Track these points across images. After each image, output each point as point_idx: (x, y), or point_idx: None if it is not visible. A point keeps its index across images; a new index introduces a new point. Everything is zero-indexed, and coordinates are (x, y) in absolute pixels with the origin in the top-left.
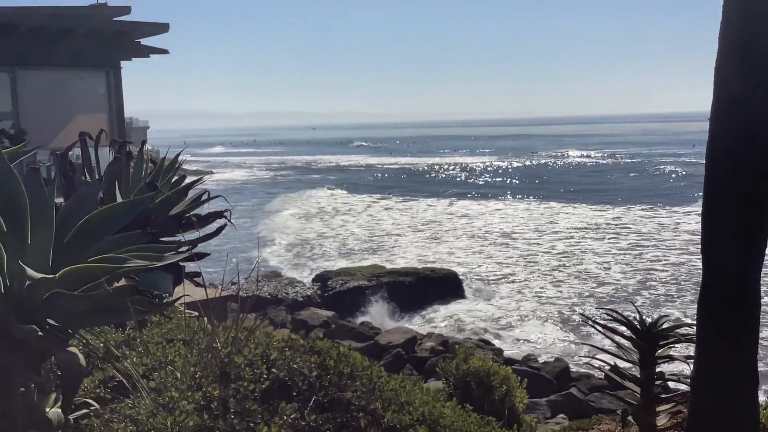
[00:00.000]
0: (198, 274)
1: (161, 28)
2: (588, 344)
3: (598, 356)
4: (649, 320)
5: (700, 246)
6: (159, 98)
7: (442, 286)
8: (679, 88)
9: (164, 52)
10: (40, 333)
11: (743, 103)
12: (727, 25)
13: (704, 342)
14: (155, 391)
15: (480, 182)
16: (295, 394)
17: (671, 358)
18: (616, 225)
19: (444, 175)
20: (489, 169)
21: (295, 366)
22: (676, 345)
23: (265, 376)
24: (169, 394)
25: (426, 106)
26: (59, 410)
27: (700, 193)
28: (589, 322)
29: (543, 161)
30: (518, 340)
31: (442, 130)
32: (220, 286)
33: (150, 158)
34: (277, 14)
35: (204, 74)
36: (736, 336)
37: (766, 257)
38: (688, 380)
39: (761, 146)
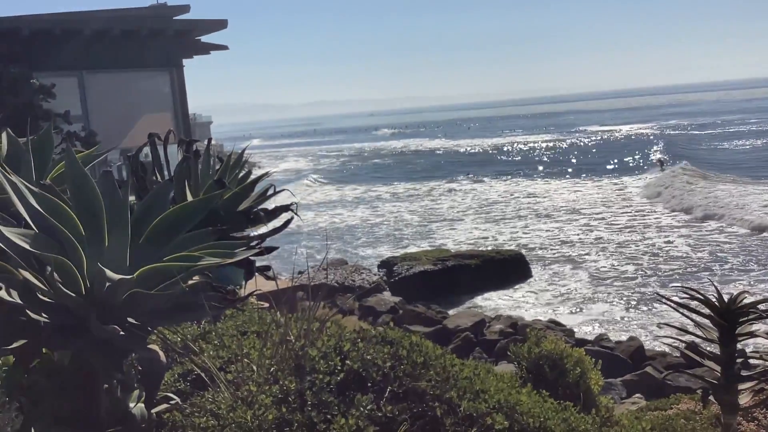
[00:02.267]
0: (268, 267)
1: (220, 24)
2: (663, 323)
3: (673, 335)
4: (727, 297)
5: None
6: (221, 93)
7: (508, 267)
8: (716, 57)
9: (224, 48)
10: (121, 332)
11: None
12: None
13: None
14: (233, 384)
15: (545, 160)
16: (369, 385)
17: (752, 335)
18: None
19: (505, 157)
20: (546, 147)
21: (368, 357)
22: (757, 322)
23: (339, 368)
24: (248, 388)
25: (481, 87)
26: (142, 405)
27: None
28: (665, 301)
29: (591, 137)
30: (590, 319)
31: (505, 110)
32: (291, 277)
33: (217, 155)
34: (329, 4)
35: (262, 68)
36: None
37: None
38: None
39: None
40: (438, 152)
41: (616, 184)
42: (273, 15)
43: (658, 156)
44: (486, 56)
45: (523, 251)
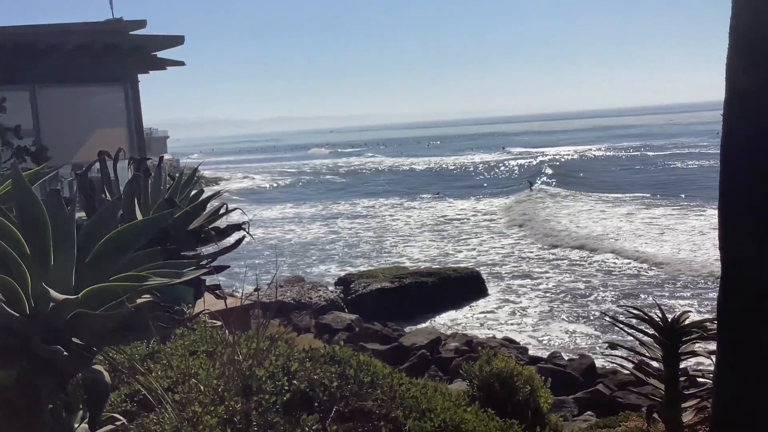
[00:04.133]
0: (218, 286)
1: (176, 40)
2: (613, 341)
3: (622, 353)
4: (671, 316)
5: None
6: (179, 108)
7: (465, 285)
8: (677, 80)
9: (180, 64)
10: (65, 353)
11: (755, 100)
12: (737, 21)
13: (726, 337)
14: (179, 404)
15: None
16: (316, 405)
17: (695, 354)
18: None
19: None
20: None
21: (315, 377)
22: (700, 341)
23: (286, 387)
24: (193, 408)
25: (440, 105)
26: (86, 426)
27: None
28: (611, 320)
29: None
30: (543, 337)
31: (455, 129)
32: (242, 296)
33: (169, 173)
34: (291, 20)
35: (222, 83)
36: (757, 330)
37: None
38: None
39: None
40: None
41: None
42: (233, 31)
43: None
44: (440, 75)
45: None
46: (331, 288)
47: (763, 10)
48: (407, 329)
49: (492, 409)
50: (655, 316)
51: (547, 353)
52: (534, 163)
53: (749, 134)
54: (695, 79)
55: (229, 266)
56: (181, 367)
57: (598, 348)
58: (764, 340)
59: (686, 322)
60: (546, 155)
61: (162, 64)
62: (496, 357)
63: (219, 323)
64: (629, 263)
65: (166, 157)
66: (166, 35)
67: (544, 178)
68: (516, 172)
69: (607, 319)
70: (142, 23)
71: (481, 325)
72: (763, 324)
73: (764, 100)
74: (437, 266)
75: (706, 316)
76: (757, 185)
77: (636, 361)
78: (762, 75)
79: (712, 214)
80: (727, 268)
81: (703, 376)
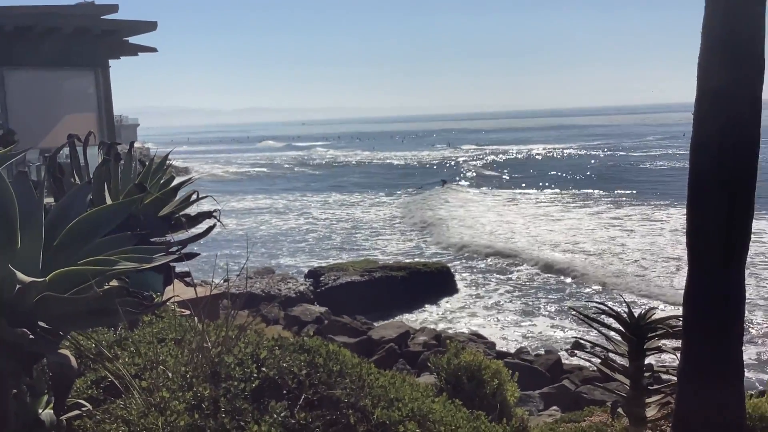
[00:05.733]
0: (188, 274)
1: (149, 26)
2: (579, 337)
3: (589, 349)
4: (637, 312)
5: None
6: (150, 95)
7: (434, 279)
8: (650, 81)
9: (152, 50)
10: (31, 336)
11: (725, 98)
12: (709, 22)
13: (691, 334)
14: (147, 391)
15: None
16: (285, 392)
17: (660, 350)
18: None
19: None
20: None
21: (284, 365)
22: (665, 337)
23: (255, 375)
24: (161, 395)
25: (415, 99)
26: (51, 411)
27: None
28: (579, 316)
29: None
30: (512, 332)
31: (429, 125)
32: (211, 284)
33: (139, 159)
34: (265, 9)
35: (194, 72)
36: (721, 328)
37: (750, 251)
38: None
39: (743, 140)
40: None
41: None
42: (206, 20)
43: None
44: (416, 69)
45: None
46: (300, 280)
47: (734, 11)
48: (377, 323)
49: (460, 400)
50: (622, 312)
51: (514, 349)
52: (469, 161)
53: (718, 131)
54: (662, 81)
55: (199, 254)
56: (148, 354)
57: (564, 344)
58: (727, 342)
59: (653, 318)
60: (495, 153)
61: (134, 50)
62: (464, 350)
63: (188, 312)
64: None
65: (137, 144)
66: (138, 20)
67: (466, 176)
68: (446, 169)
69: (573, 314)
70: (114, 8)
71: (449, 320)
72: (728, 324)
73: (734, 99)
74: (408, 260)
75: (669, 312)
76: (724, 183)
77: (602, 357)
78: (733, 74)
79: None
80: (693, 266)
81: (667, 372)
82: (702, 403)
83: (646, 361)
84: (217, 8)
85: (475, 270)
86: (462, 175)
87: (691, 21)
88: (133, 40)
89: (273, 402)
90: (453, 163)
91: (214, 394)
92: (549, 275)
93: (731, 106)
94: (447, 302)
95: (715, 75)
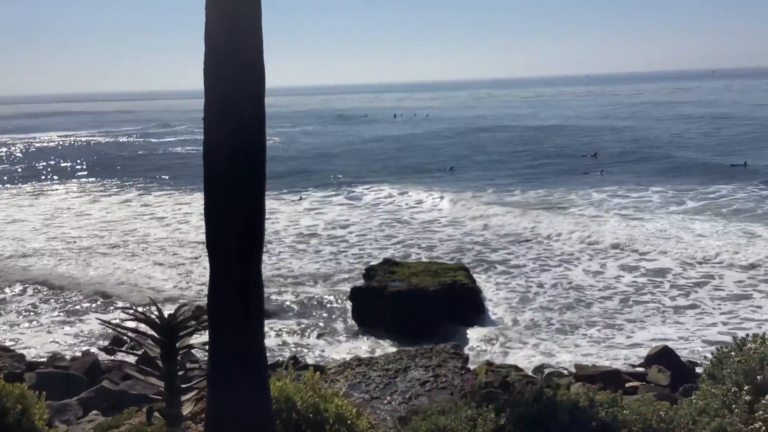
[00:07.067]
0: None
1: None
2: (111, 345)
3: (129, 345)
4: (168, 313)
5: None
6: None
7: None
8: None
9: None
10: None
11: (232, 104)
12: (209, 30)
13: (215, 328)
14: None
15: None
16: None
17: (191, 347)
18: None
19: None
20: None
21: None
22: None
23: None
24: None
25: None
26: None
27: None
28: (105, 324)
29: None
30: (42, 339)
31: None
32: None
33: None
34: None
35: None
36: (243, 320)
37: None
38: None
39: (251, 144)
40: None
41: None
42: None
43: None
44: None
45: None
46: None
47: (231, 21)
48: None
49: None
50: (152, 315)
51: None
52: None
53: (228, 137)
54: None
55: None
56: None
57: (100, 344)
58: (249, 333)
59: (183, 317)
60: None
61: None
62: None
63: None
64: None
65: None
66: None
67: None
68: None
69: (100, 322)
70: None
71: None
72: (249, 317)
73: (239, 106)
74: None
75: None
76: (237, 187)
77: (140, 355)
78: (236, 82)
79: None
80: (214, 265)
81: (200, 368)
82: (229, 396)
83: (186, 357)
84: None
85: None
86: None
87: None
88: None
89: None
90: None
91: None
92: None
93: (238, 112)
94: None
95: (220, 82)
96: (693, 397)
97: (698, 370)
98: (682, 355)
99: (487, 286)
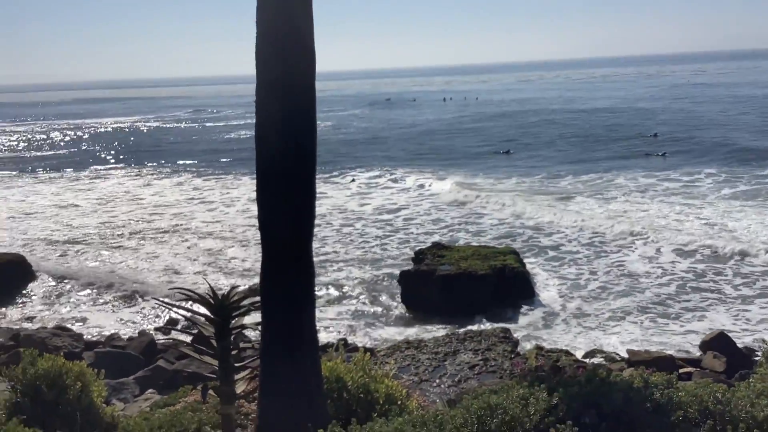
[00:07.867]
0: None
1: None
2: (175, 318)
3: (182, 324)
4: (222, 293)
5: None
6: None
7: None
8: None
9: None
10: None
11: (284, 87)
12: (261, 13)
13: (268, 309)
14: None
15: None
16: None
17: (244, 327)
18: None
19: None
20: None
21: None
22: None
23: None
24: None
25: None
26: None
27: None
28: (161, 303)
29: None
30: (101, 320)
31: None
32: None
33: None
34: None
35: None
36: (295, 301)
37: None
38: None
39: (302, 126)
40: None
41: None
42: None
43: None
44: None
45: None
46: None
47: (284, 4)
48: None
49: (40, 413)
50: (207, 295)
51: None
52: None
53: (280, 120)
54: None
55: None
56: None
57: (157, 324)
58: (300, 313)
59: (236, 297)
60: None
61: None
62: (42, 356)
63: None
64: None
65: None
66: None
67: None
68: None
69: (157, 303)
70: None
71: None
72: (302, 302)
73: (291, 89)
74: None
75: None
76: (289, 170)
77: (194, 334)
78: (288, 65)
79: None
80: (266, 248)
81: (253, 347)
82: (279, 371)
83: (241, 337)
84: None
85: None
86: None
87: None
88: None
89: None
90: None
91: None
92: None
93: (288, 97)
94: (29, 295)
95: (270, 66)
96: (750, 380)
97: (756, 358)
98: (739, 342)
99: (538, 270)
